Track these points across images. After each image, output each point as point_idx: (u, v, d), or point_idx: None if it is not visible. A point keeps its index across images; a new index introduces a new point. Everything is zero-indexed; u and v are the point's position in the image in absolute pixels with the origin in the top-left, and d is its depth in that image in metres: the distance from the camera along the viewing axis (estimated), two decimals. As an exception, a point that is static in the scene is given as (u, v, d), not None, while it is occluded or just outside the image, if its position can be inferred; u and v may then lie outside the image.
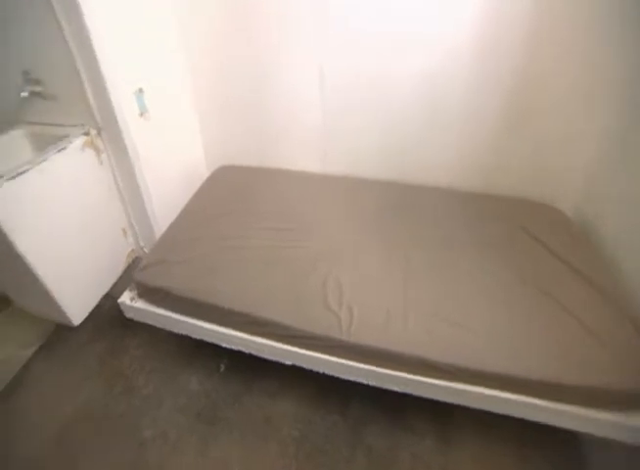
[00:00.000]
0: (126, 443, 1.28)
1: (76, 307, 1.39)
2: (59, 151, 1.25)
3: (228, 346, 1.22)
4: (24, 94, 1.30)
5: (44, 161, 1.20)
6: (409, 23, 1.30)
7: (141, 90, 1.37)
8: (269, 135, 1.71)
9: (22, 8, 1.16)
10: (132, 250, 1.60)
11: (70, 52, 1.18)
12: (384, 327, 1.03)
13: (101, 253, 1.46)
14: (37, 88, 1.31)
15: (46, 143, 1.34)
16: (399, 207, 1.48)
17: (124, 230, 1.55)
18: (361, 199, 1.53)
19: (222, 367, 1.40)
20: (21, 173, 1.13)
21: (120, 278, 1.56)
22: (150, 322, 1.32)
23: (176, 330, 1.30)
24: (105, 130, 1.35)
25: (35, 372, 1.55)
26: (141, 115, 1.39)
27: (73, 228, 1.34)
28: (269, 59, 1.51)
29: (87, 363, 1.56)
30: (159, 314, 1.27)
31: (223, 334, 1.20)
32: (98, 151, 1.38)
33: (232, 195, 1.57)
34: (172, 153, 1.61)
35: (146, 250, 1.59)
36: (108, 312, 1.52)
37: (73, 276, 1.36)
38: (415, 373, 1.01)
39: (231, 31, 1.48)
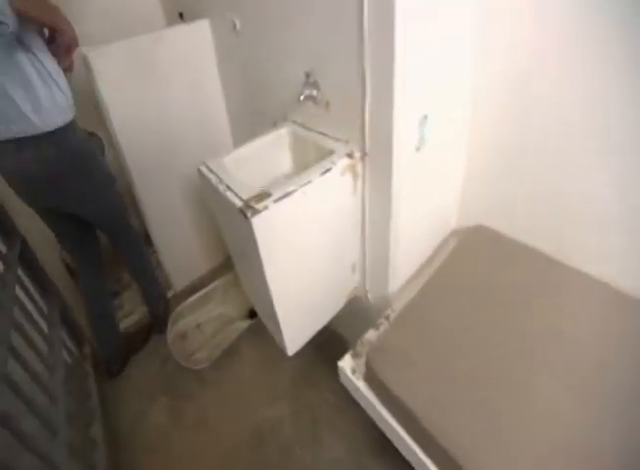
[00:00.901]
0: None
1: (294, 338, 1.29)
2: (323, 173, 1.06)
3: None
4: (302, 97, 1.14)
5: (308, 183, 1.04)
6: None
7: (426, 118, 1.03)
8: (557, 207, 1.13)
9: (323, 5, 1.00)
10: (355, 287, 1.36)
11: (362, 60, 0.95)
12: None
13: (328, 285, 1.29)
14: (313, 92, 1.18)
15: (303, 147, 1.26)
16: None
17: (354, 265, 1.30)
18: None
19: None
20: (288, 194, 1.00)
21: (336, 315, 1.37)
22: (362, 404, 1.07)
23: (386, 431, 1.01)
24: (371, 156, 1.06)
25: (242, 351, 1.68)
26: (418, 148, 1.03)
27: (311, 257, 1.19)
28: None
29: (281, 374, 1.54)
30: (375, 406, 1.00)
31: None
32: (355, 177, 1.12)
33: (495, 276, 1.14)
34: (429, 195, 1.26)
35: (370, 295, 1.33)
36: (314, 336, 1.38)
37: (300, 307, 1.24)
38: None
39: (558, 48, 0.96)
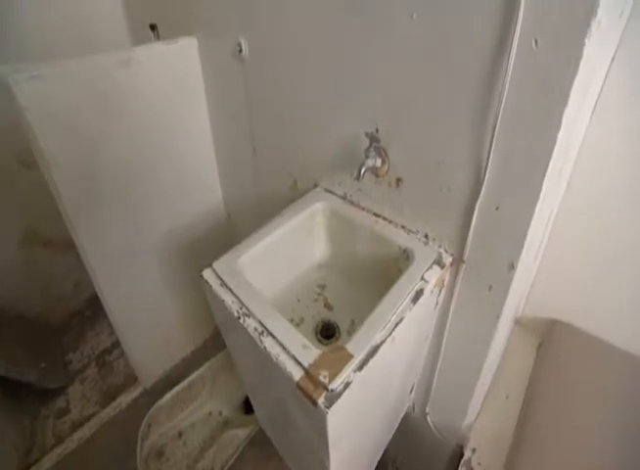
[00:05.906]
0: None
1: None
2: (414, 298, 0.70)
3: None
4: (363, 169, 0.77)
5: (400, 321, 0.66)
6: None
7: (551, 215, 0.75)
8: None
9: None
10: (408, 406, 1.05)
11: (485, 125, 0.61)
12: None
13: (386, 424, 0.94)
14: (377, 162, 0.80)
15: (350, 232, 0.89)
16: None
17: (413, 386, 0.99)
18: None
19: None
20: (375, 350, 0.62)
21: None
22: None
23: None
24: (472, 266, 0.77)
25: None
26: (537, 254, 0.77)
27: (382, 408, 0.84)
28: None
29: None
30: None
31: None
32: (441, 288, 0.80)
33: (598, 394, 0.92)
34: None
35: (431, 419, 1.02)
36: None
37: (354, 462, 0.87)
38: None
39: None
